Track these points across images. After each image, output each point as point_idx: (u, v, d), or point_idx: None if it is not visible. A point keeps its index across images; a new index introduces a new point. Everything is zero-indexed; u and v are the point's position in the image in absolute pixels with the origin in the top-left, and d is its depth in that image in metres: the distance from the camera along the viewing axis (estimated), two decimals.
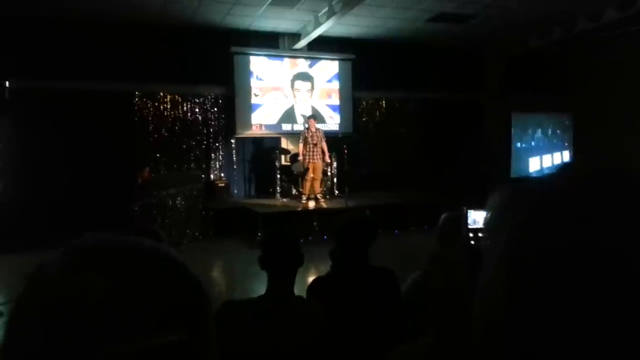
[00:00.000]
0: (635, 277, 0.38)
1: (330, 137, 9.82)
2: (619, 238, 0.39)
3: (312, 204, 8.64)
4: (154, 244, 0.51)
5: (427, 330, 1.13)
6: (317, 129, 8.89)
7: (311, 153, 8.72)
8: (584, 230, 0.40)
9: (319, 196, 8.91)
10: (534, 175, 10.37)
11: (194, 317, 0.49)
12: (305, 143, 8.74)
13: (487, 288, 0.45)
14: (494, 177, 9.70)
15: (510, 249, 0.43)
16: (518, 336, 0.41)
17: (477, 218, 2.19)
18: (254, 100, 9.87)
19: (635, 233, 0.39)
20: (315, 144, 8.75)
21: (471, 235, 2.09)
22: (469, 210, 2.00)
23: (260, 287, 2.05)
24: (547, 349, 0.39)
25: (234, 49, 9.52)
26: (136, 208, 7.07)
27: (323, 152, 8.86)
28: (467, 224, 1.98)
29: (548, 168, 10.84)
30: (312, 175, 8.80)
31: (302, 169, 8.98)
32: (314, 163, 8.74)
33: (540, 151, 10.96)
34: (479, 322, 0.45)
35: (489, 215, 0.48)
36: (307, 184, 8.84)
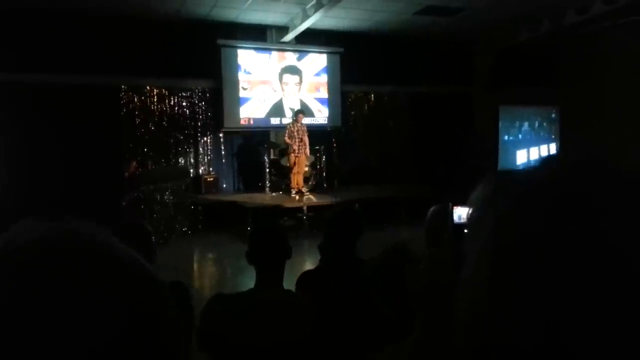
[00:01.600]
0: (618, 266, 0.38)
1: (318, 130, 9.82)
2: (601, 228, 0.39)
3: (299, 198, 8.65)
4: (93, 235, 0.43)
5: (415, 326, 1.14)
6: (302, 124, 8.90)
7: (297, 147, 8.73)
8: (565, 220, 0.40)
9: (303, 190, 8.93)
10: (520, 167, 10.46)
11: (149, 326, 0.42)
12: (291, 137, 8.74)
13: (470, 281, 0.45)
14: (482, 169, 9.76)
15: (492, 241, 0.44)
16: (501, 328, 0.41)
17: (462, 214, 2.18)
18: (242, 93, 9.82)
19: (617, 222, 0.39)
20: (301, 139, 8.76)
21: (457, 231, 2.09)
22: (454, 207, 2.00)
23: (250, 281, 2.05)
24: (529, 340, 0.40)
25: (220, 41, 9.45)
26: (124, 203, 7.03)
27: (305, 146, 8.89)
28: (452, 220, 1.98)
29: (535, 161, 10.91)
30: (297, 169, 8.82)
31: (287, 163, 9.00)
32: (299, 157, 8.76)
33: (527, 144, 11.04)
34: (462, 315, 0.46)
35: (471, 209, 0.48)
36: (294, 178, 8.86)
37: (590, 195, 0.41)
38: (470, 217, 0.48)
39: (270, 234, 2.05)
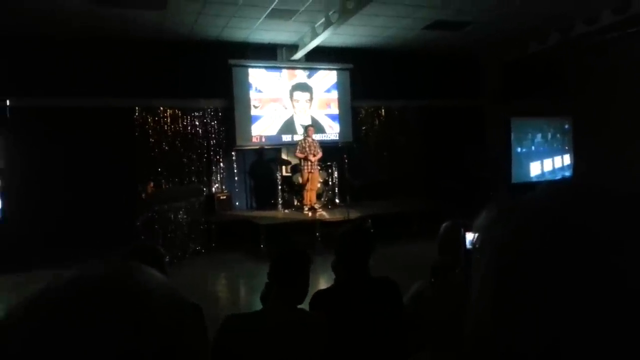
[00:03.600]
0: (614, 289, 0.39)
1: (330, 146, 9.85)
2: (598, 254, 0.41)
3: (312, 215, 8.65)
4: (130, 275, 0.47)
5: (427, 345, 1.14)
6: (313, 139, 8.94)
7: (310, 164, 8.76)
8: (564, 247, 0.42)
9: (315, 206, 8.95)
10: (534, 180, 10.36)
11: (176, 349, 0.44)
12: (303, 152, 8.78)
13: (475, 303, 0.47)
14: (495, 183, 9.69)
15: (495, 266, 0.46)
16: (504, 349, 0.43)
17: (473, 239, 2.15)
18: (253, 112, 9.92)
19: (615, 248, 0.41)
20: (314, 155, 8.80)
21: (468, 256, 2.07)
22: (466, 232, 1.98)
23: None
24: (531, 358, 0.41)
25: (232, 61, 9.58)
26: (139, 223, 7.08)
27: (319, 160, 8.95)
28: (465, 245, 1.96)
29: (549, 172, 10.83)
30: (310, 186, 8.84)
31: (300, 181, 9.03)
32: (312, 174, 8.78)
33: (540, 156, 10.94)
34: (469, 336, 0.47)
35: (476, 235, 0.50)
36: (307, 195, 8.89)
37: (589, 222, 0.42)
38: (475, 243, 0.50)
39: (296, 256, 2.07)
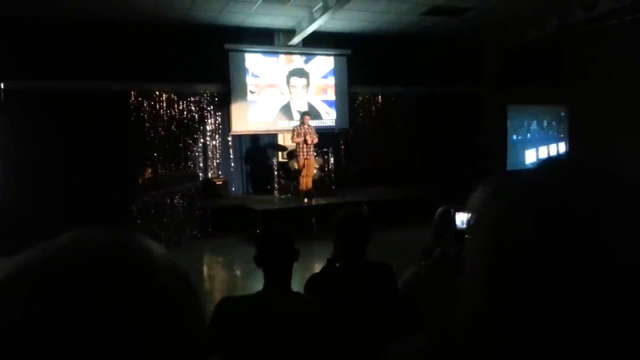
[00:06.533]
0: (606, 271, 0.39)
1: (326, 132, 9.82)
2: (590, 234, 0.41)
3: (308, 200, 8.65)
4: (135, 242, 0.45)
5: (425, 329, 1.15)
6: (309, 126, 8.91)
7: (306, 150, 8.74)
8: (556, 227, 0.42)
9: (312, 192, 8.94)
10: (529, 167, 10.39)
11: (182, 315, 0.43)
12: (300, 137, 8.76)
13: (470, 281, 0.47)
14: (491, 170, 9.70)
15: (489, 246, 0.45)
16: (498, 326, 0.43)
17: (464, 219, 2.17)
18: (250, 97, 9.86)
19: (608, 228, 0.41)
20: (310, 140, 8.78)
21: (458, 236, 2.08)
22: (456, 213, 1.98)
23: (259, 284, 2.07)
24: (524, 341, 0.41)
25: (228, 46, 9.50)
26: (134, 208, 7.07)
27: (316, 146, 8.92)
28: (455, 225, 1.96)
29: (533, 163, 10.86)
30: (306, 172, 8.83)
31: (296, 167, 9.02)
32: (308, 160, 8.77)
33: (536, 143, 10.96)
34: (463, 317, 0.47)
35: (470, 214, 0.50)
36: (303, 181, 8.88)
37: (582, 201, 0.42)
38: (469, 221, 0.50)
39: (277, 238, 2.06)
